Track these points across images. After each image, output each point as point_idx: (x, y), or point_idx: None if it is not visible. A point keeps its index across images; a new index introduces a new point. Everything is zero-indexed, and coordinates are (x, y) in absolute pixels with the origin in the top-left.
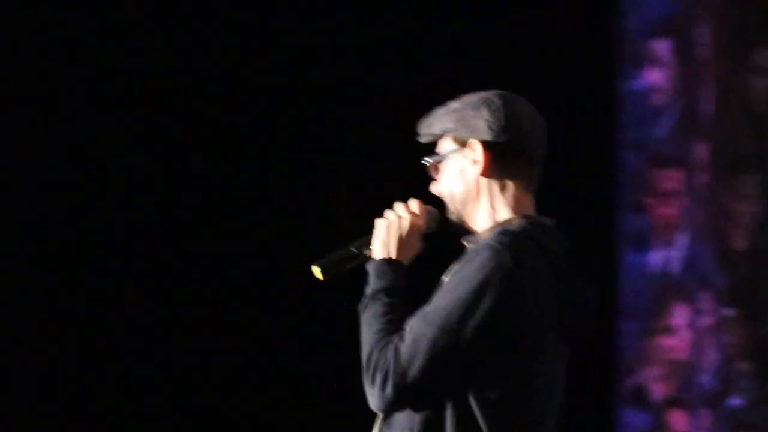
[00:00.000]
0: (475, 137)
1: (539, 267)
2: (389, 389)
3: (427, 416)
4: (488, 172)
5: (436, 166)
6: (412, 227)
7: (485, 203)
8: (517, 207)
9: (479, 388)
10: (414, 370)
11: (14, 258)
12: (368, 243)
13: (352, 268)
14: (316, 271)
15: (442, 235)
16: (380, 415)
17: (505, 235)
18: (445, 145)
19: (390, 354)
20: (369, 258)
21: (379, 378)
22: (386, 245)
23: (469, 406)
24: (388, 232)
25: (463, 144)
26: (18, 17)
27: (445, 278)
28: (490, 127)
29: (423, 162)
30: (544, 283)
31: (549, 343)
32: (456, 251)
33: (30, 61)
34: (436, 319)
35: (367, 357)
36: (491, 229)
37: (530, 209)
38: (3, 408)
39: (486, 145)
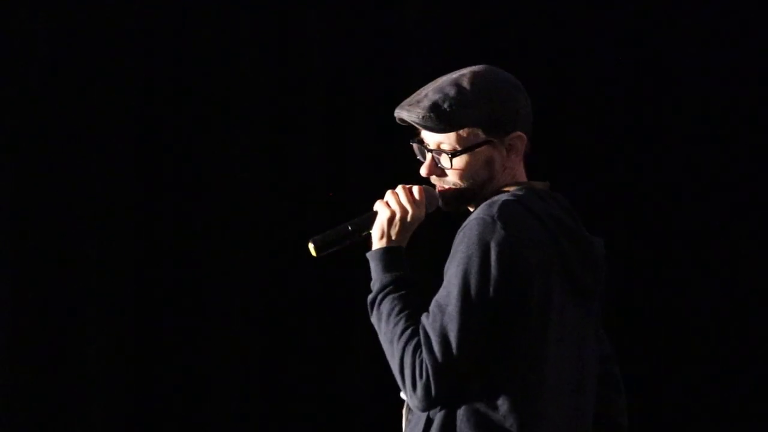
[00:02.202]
0: (513, 129)
1: (532, 229)
2: (434, 391)
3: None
4: (520, 154)
5: (450, 159)
6: (415, 218)
7: (497, 181)
8: (517, 177)
9: (493, 357)
10: (453, 367)
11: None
12: (365, 224)
13: (346, 247)
14: (311, 247)
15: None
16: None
17: (492, 206)
18: (468, 137)
19: (424, 357)
20: (364, 238)
21: (420, 383)
22: (387, 234)
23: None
24: (389, 224)
25: (495, 134)
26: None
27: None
28: (526, 111)
29: (441, 154)
30: (539, 245)
31: (560, 304)
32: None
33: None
34: (453, 312)
35: (399, 364)
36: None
37: (524, 176)
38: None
39: (525, 131)
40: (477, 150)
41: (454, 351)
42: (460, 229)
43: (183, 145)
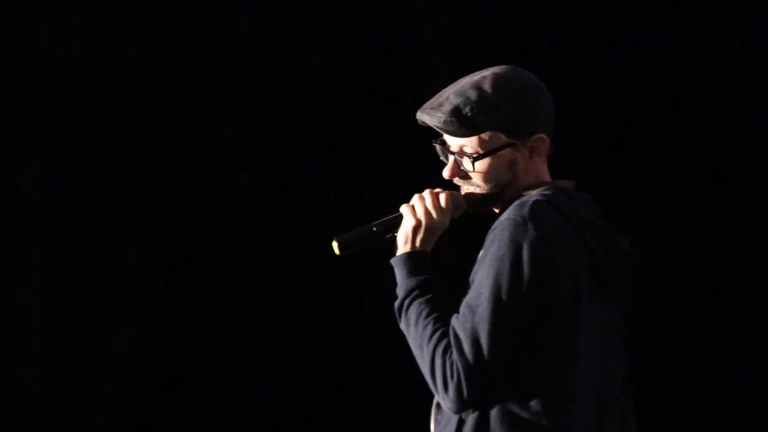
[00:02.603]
0: (536, 130)
1: (562, 230)
2: (466, 392)
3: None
4: (543, 155)
5: (473, 162)
6: (439, 226)
7: (521, 182)
8: (542, 177)
9: (523, 356)
10: (485, 368)
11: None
12: (390, 226)
13: (368, 248)
14: (335, 246)
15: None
16: (435, 401)
17: (523, 207)
18: (490, 140)
19: (455, 358)
20: (387, 240)
21: (452, 384)
22: (411, 240)
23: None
24: (414, 232)
25: (517, 137)
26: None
27: (480, 255)
28: (549, 114)
29: (463, 158)
30: (569, 245)
31: (589, 303)
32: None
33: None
34: (484, 313)
35: (430, 366)
36: (512, 204)
37: (548, 176)
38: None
39: (547, 133)
40: (499, 153)
41: (486, 352)
42: (491, 230)
43: (189, 146)
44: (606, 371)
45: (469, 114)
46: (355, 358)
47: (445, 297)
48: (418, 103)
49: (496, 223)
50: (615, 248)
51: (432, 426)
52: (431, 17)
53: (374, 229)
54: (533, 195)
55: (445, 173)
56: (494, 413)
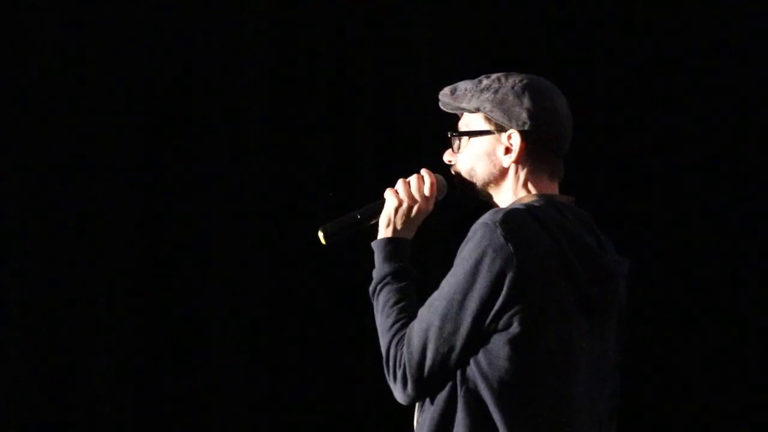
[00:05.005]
0: (512, 126)
1: (536, 241)
2: (410, 385)
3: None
4: (520, 161)
5: (461, 140)
6: (423, 211)
7: (509, 187)
8: (540, 192)
9: (491, 368)
10: (428, 362)
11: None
12: (373, 212)
13: (353, 235)
14: (320, 235)
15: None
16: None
17: (498, 212)
18: (476, 123)
19: (405, 349)
20: (371, 227)
21: (399, 374)
22: (393, 223)
23: (481, 391)
24: (396, 213)
25: (498, 127)
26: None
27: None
28: (531, 118)
29: (449, 134)
30: (541, 257)
31: (562, 315)
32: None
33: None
34: (440, 307)
35: (385, 353)
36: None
37: (547, 190)
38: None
39: (523, 135)
40: (480, 138)
41: (432, 349)
42: (472, 228)
43: (184, 145)
44: (596, 398)
45: (462, 90)
46: (344, 357)
47: (419, 286)
48: (419, 103)
49: (475, 224)
50: (601, 268)
51: (414, 425)
52: (431, 17)
53: (358, 216)
54: (523, 203)
55: (445, 154)
56: (462, 416)
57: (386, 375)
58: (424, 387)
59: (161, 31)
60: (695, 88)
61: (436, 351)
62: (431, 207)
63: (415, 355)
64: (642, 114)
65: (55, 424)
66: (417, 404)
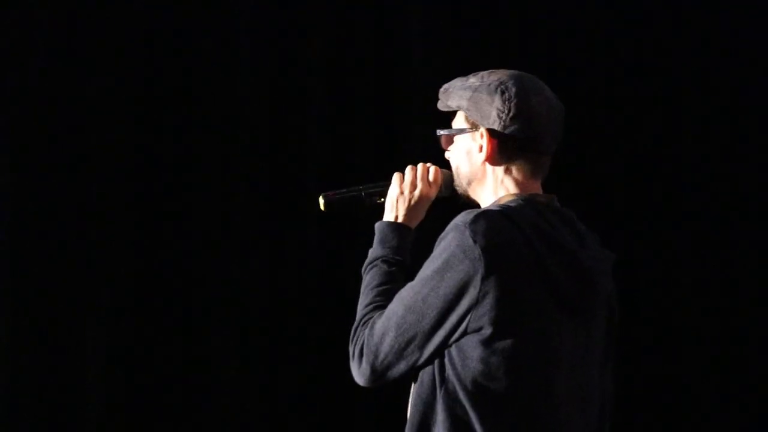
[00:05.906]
0: (483, 124)
1: (506, 241)
2: (364, 364)
3: (420, 394)
4: (493, 160)
5: (448, 138)
6: (425, 197)
7: (490, 186)
8: (521, 191)
9: (464, 370)
10: (385, 348)
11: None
12: (378, 192)
13: (353, 211)
14: (321, 201)
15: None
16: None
17: (470, 213)
18: (458, 122)
19: (367, 330)
20: (373, 206)
21: (356, 352)
22: (396, 208)
23: (458, 392)
24: (401, 196)
25: (473, 125)
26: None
27: None
28: (499, 116)
29: (437, 132)
30: (512, 258)
31: (537, 316)
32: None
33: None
34: (405, 298)
35: (353, 331)
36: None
37: (531, 191)
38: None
39: (492, 133)
40: (462, 136)
41: (392, 337)
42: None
43: (183, 145)
44: (585, 396)
45: (450, 88)
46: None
47: (410, 272)
48: (418, 103)
49: (450, 224)
50: (578, 267)
51: (408, 411)
52: (431, 17)
53: (362, 193)
54: (494, 204)
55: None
56: (443, 417)
57: (349, 351)
58: (380, 373)
59: (161, 32)
60: (695, 88)
61: (394, 339)
62: (433, 194)
63: (375, 338)
64: (642, 114)
65: (54, 424)
66: (411, 396)
